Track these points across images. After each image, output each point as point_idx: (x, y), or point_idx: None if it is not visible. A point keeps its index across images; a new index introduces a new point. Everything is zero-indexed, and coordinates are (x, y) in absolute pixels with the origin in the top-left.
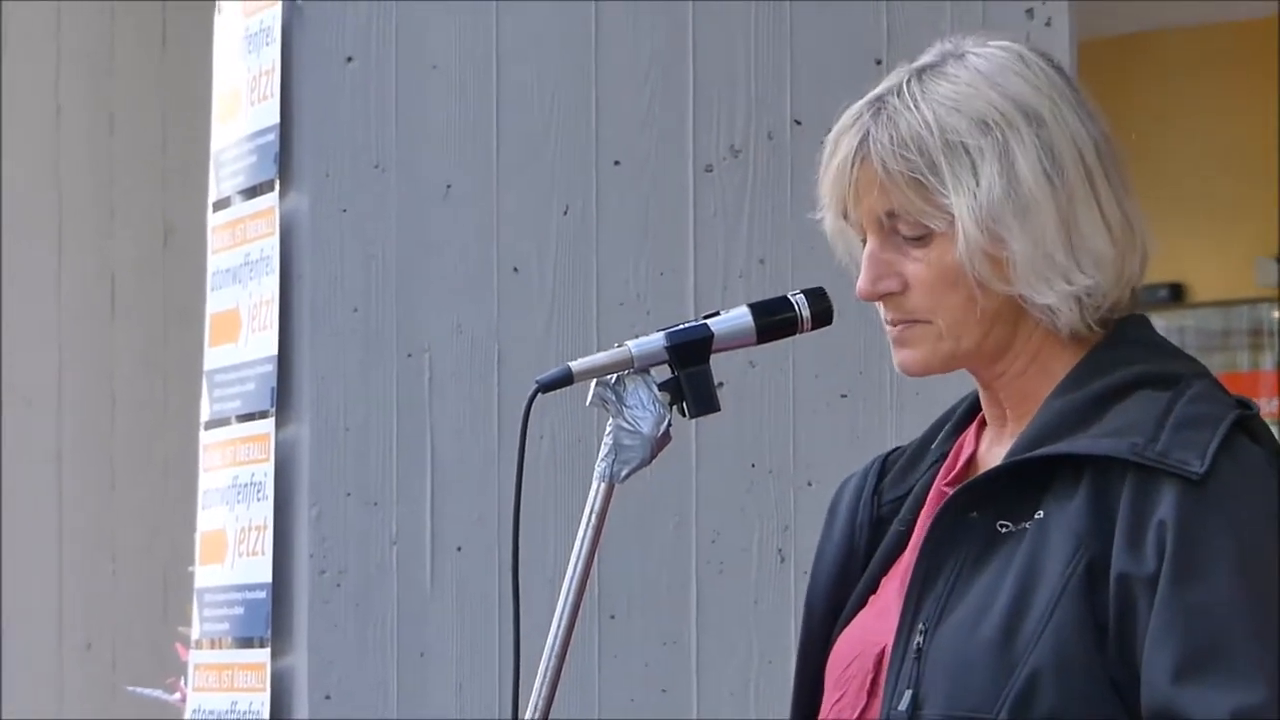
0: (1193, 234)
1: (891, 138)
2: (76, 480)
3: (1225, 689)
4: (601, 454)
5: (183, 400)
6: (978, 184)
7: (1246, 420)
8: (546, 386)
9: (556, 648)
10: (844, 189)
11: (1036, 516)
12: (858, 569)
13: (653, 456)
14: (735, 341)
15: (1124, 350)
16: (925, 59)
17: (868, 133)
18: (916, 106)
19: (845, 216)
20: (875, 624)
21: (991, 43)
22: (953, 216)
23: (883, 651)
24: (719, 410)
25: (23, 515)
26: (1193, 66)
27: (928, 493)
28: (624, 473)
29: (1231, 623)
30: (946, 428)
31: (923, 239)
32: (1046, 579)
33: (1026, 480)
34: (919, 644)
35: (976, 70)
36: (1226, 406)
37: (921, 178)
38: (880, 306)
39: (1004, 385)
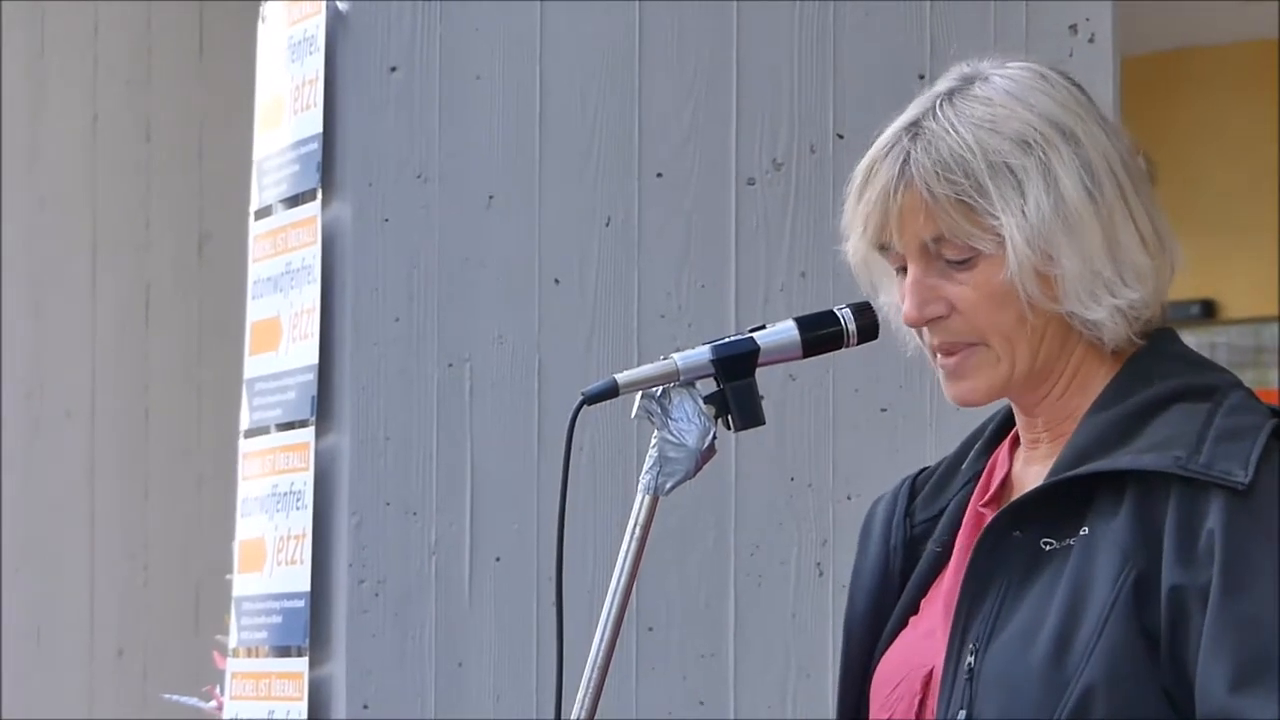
0: (1226, 250)
1: (935, 161)
2: (110, 489)
3: (1277, 696)
4: (646, 466)
5: (217, 410)
6: (1025, 203)
7: None
8: (592, 398)
9: (599, 659)
10: (885, 216)
11: (1081, 533)
12: (894, 591)
13: (697, 469)
14: (781, 355)
15: (1158, 364)
16: (947, 83)
17: (908, 156)
18: (955, 129)
19: (883, 245)
20: (920, 645)
21: (1010, 64)
22: (1001, 238)
23: (930, 673)
24: (764, 424)
25: (57, 523)
26: (1233, 83)
27: (962, 513)
28: (668, 485)
29: None
30: (977, 447)
31: (967, 262)
32: (1095, 595)
33: (1069, 497)
34: (970, 664)
35: (1005, 91)
36: (1264, 416)
37: (969, 200)
38: (924, 334)
39: (1046, 409)
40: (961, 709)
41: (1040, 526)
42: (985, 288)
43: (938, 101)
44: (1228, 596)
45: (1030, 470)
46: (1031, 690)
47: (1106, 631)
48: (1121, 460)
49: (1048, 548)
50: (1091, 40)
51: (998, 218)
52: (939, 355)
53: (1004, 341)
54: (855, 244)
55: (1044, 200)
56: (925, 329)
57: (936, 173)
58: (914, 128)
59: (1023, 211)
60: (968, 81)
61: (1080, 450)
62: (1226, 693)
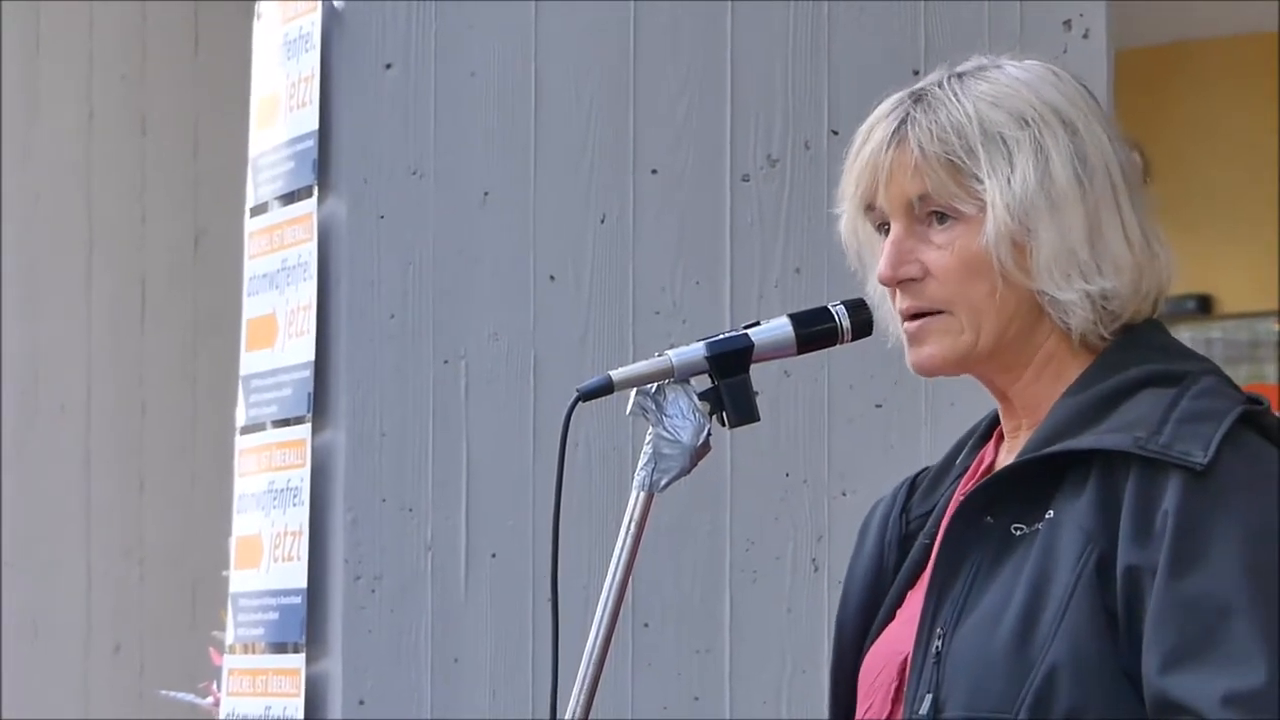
0: (1222, 245)
1: (931, 122)
2: (106, 485)
3: (1219, 674)
4: (641, 463)
5: (212, 406)
6: (1012, 171)
7: (1255, 414)
8: (587, 395)
9: (595, 655)
10: (875, 172)
11: (1048, 516)
12: (887, 586)
13: (692, 466)
14: (775, 352)
15: (1133, 353)
16: (963, 67)
17: (906, 117)
18: (957, 99)
19: (869, 206)
20: (900, 633)
21: (1027, 59)
22: (983, 202)
23: (905, 659)
24: (759, 420)
25: (53, 519)
26: (1228, 77)
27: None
28: (663, 482)
29: (1229, 611)
30: (971, 443)
31: (947, 224)
32: (1059, 577)
33: (1037, 481)
34: (938, 648)
35: (1015, 76)
36: (1233, 401)
37: (957, 161)
38: (896, 299)
39: (1017, 393)
40: (929, 693)
41: (1011, 512)
42: (962, 254)
43: (947, 76)
44: (1174, 577)
45: (1010, 459)
46: (997, 672)
47: (1069, 613)
48: (1084, 441)
49: (1018, 533)
50: (1086, 36)
51: (982, 181)
52: (904, 321)
53: (971, 312)
54: (847, 208)
55: (1030, 173)
56: (897, 293)
57: (930, 131)
58: (918, 93)
59: (1008, 180)
60: (981, 67)
61: (1049, 434)
62: (1165, 670)
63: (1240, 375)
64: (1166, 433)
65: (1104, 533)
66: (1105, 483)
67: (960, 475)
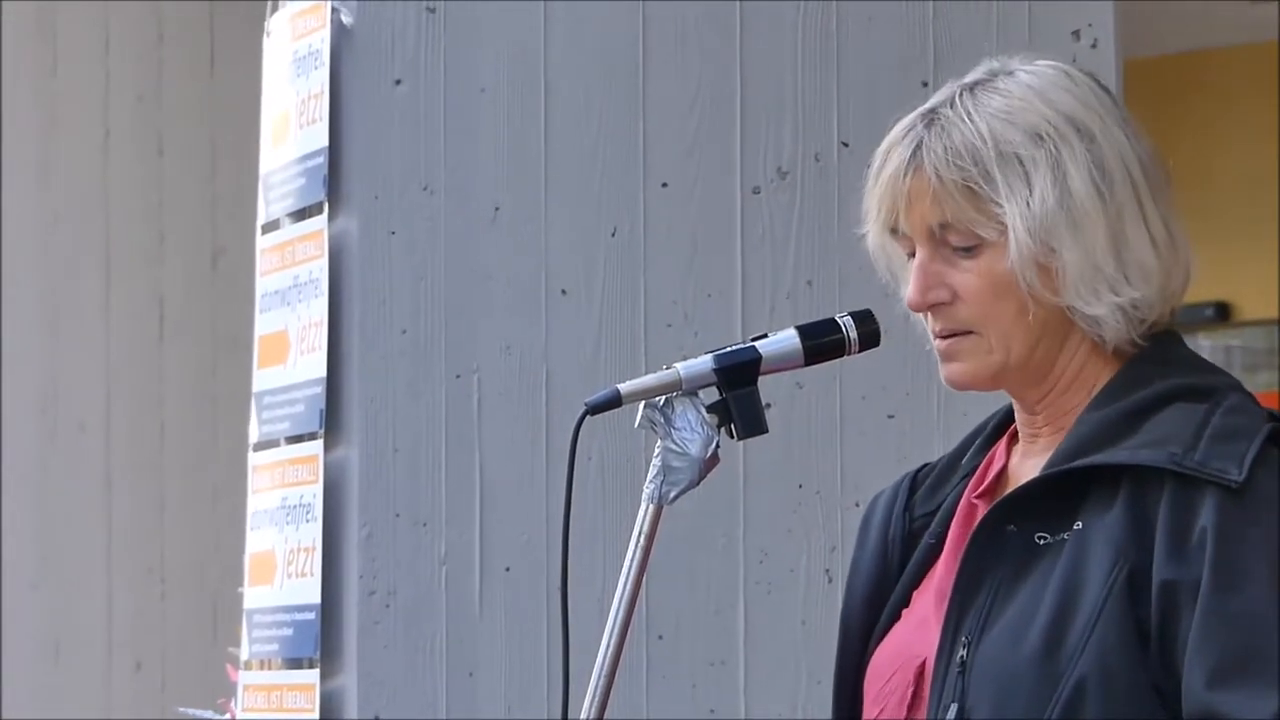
0: (1240, 252)
1: (946, 148)
2: (127, 502)
3: (1269, 691)
4: (650, 475)
5: (231, 422)
6: (1031, 193)
7: (1278, 432)
8: (595, 409)
9: (605, 668)
10: (895, 199)
11: (1075, 527)
12: (891, 584)
13: (701, 478)
14: (783, 364)
15: (1159, 365)
16: (974, 76)
17: (921, 142)
18: (970, 118)
19: (893, 230)
20: (912, 637)
21: (1039, 61)
22: (1005, 226)
23: (922, 665)
24: (767, 432)
25: (73, 537)
26: (1240, 85)
27: (958, 506)
28: (672, 494)
29: (1271, 628)
30: (977, 443)
31: (973, 250)
32: (1088, 590)
33: (1064, 492)
34: (963, 657)
35: (1027, 86)
36: (1260, 419)
37: (975, 186)
38: (928, 319)
39: (1047, 405)
40: (954, 702)
41: (1034, 521)
42: (988, 276)
43: (959, 91)
44: (1217, 593)
45: (1026, 464)
46: (1024, 684)
47: (1099, 627)
48: (1118, 455)
49: (1041, 542)
50: (1094, 46)
51: (1001, 205)
52: (936, 339)
53: (1000, 333)
54: (872, 228)
55: (1049, 192)
56: (929, 314)
57: (946, 158)
58: (931, 114)
59: (1027, 202)
60: (992, 75)
61: (1077, 445)
62: (1211, 688)
63: (1259, 382)
64: (1201, 450)
65: (1135, 547)
66: (1136, 497)
67: (967, 475)
